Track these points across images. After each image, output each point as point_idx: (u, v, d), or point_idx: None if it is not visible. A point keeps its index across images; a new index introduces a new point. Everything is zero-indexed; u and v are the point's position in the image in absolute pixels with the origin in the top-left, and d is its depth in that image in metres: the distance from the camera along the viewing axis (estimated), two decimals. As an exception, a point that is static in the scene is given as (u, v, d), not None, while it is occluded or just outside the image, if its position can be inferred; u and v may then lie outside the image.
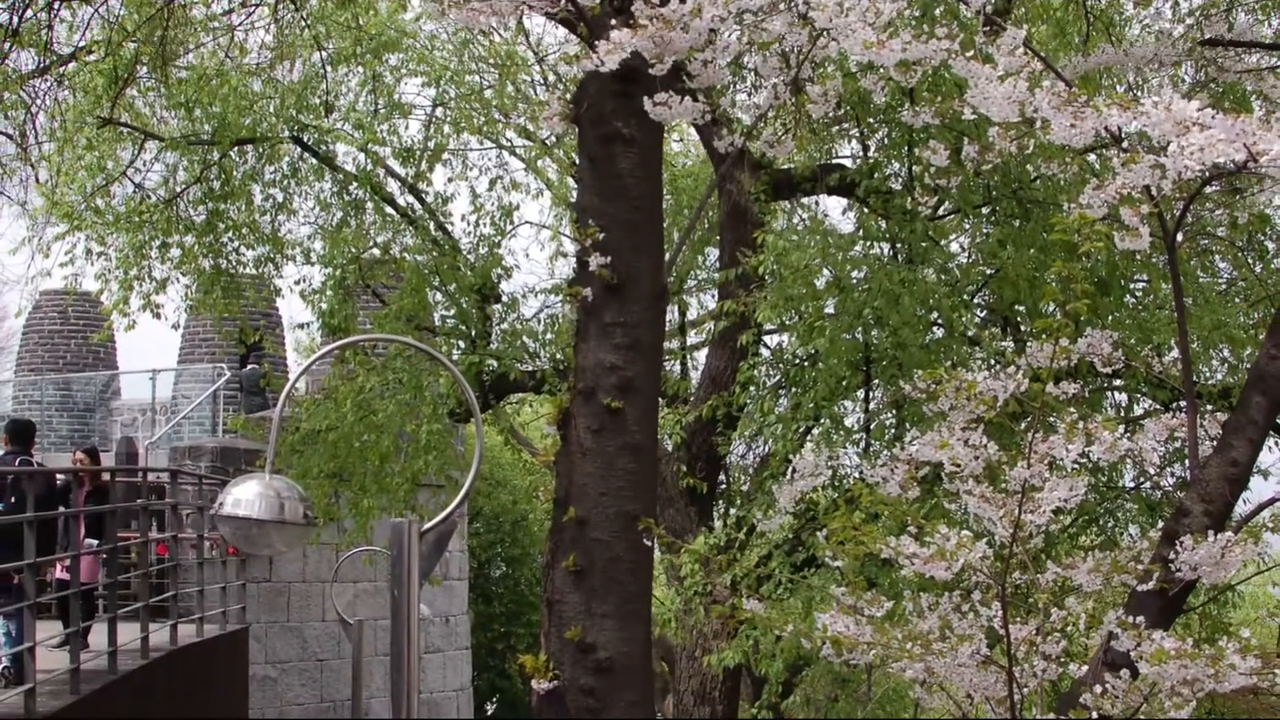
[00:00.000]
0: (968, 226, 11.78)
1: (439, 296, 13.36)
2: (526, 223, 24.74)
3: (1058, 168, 8.83)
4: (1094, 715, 5.78)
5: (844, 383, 10.75)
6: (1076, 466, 6.81)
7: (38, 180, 12.91)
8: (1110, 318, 10.06)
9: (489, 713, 26.89)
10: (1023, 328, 10.96)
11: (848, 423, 11.24)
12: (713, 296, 15.51)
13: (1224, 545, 5.82)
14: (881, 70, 6.54)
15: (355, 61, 13.04)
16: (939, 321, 10.76)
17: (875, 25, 5.75)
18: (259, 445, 17.13)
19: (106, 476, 12.07)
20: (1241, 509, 7.27)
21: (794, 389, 11.34)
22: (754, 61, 7.36)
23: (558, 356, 13.06)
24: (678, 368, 16.62)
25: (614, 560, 6.95)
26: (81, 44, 11.54)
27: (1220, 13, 7.81)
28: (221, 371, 21.63)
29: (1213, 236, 10.95)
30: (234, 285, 13.82)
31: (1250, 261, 11.48)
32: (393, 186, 13.76)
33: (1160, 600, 6.04)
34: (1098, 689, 5.79)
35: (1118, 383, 10.87)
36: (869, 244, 11.26)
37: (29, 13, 10.01)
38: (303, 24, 12.43)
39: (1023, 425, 6.43)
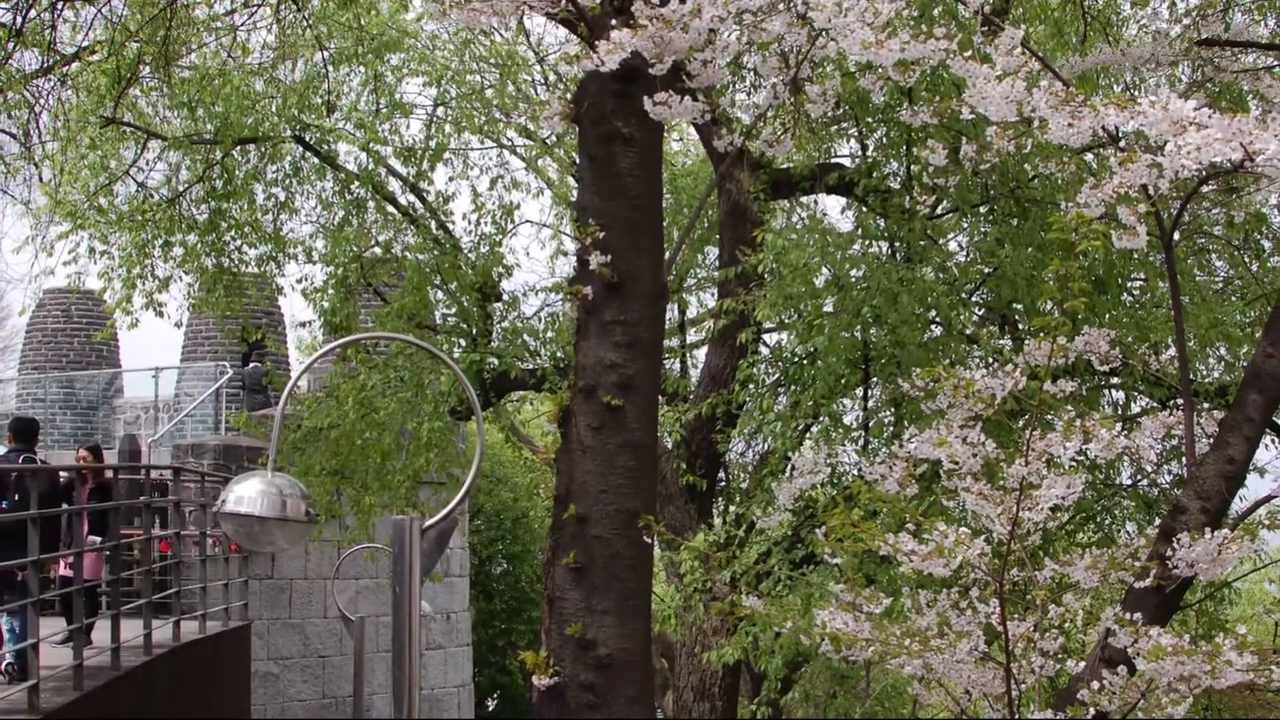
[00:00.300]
0: (966, 225, 11.80)
1: (440, 295, 13.41)
2: (527, 221, 24.70)
3: (1055, 167, 8.86)
4: (1091, 711, 5.82)
5: (843, 381, 10.79)
6: (1074, 464, 6.85)
7: (41, 179, 12.97)
8: (1107, 316, 10.09)
9: (490, 709, 26.93)
10: (1020, 326, 10.99)
11: (846, 420, 11.29)
12: (712, 295, 15.56)
13: (1221, 542, 5.85)
14: (880, 70, 6.57)
15: (357, 61, 13.07)
16: (937, 320, 10.79)
17: (874, 25, 5.78)
18: (261, 443, 17.19)
19: (109, 474, 12.11)
20: (1238, 506, 7.30)
21: (793, 387, 11.38)
22: (753, 61, 7.39)
23: (558, 354, 13.11)
24: (677, 366, 16.66)
25: (614, 557, 6.98)
26: (85, 44, 11.60)
27: (1217, 13, 7.82)
28: (224, 369, 21.67)
29: (1209, 235, 10.97)
30: (236, 284, 13.86)
31: (1247, 260, 11.51)
32: (394, 186, 13.80)
33: (1157, 597, 6.08)
34: (1095, 685, 5.82)
35: (1115, 381, 10.90)
36: (867, 243, 11.30)
37: (32, 13, 10.06)
38: (305, 24, 12.46)
39: (1020, 423, 6.46)
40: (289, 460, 12.53)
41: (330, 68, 13.09)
